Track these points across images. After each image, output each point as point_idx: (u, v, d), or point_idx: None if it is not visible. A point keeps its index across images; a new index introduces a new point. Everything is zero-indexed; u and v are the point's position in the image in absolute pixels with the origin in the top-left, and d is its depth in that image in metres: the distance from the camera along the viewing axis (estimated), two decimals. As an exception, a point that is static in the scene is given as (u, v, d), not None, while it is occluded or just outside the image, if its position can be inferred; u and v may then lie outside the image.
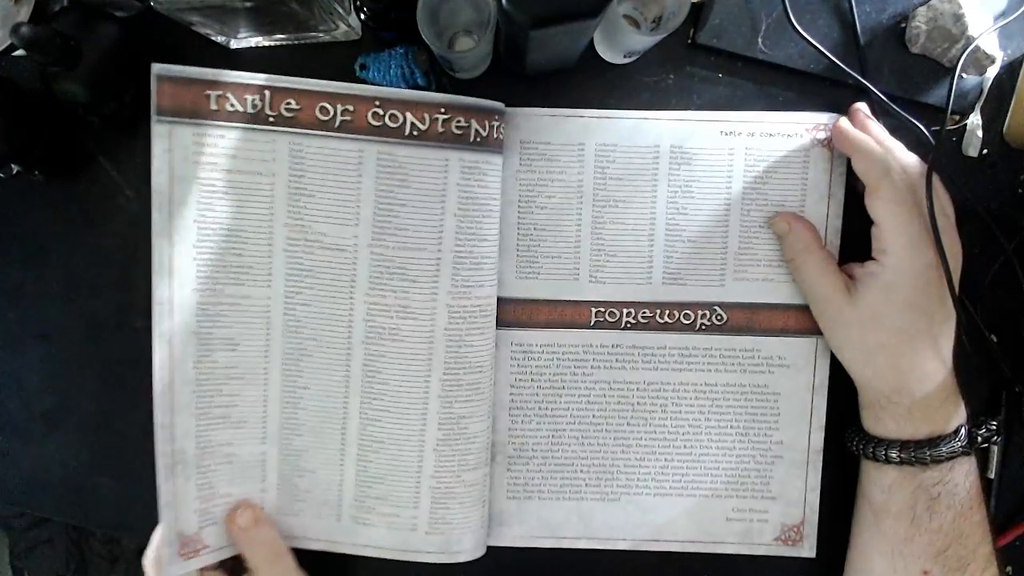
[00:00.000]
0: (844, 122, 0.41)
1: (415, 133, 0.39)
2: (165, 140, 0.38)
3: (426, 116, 0.39)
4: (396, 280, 0.40)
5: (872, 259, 0.39)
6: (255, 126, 0.38)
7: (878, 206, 0.38)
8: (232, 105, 0.38)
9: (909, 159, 0.39)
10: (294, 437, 0.42)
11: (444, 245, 0.40)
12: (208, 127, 0.38)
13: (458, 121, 0.39)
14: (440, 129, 0.39)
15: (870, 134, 0.40)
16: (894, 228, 0.37)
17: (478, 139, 0.39)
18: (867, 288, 0.38)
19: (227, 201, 0.39)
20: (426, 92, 0.39)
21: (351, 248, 0.40)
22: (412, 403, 0.41)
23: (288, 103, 0.38)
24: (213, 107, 0.38)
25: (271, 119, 0.38)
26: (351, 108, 0.38)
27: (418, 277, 0.40)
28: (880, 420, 0.40)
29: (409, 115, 0.39)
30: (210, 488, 0.41)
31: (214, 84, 0.38)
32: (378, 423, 0.41)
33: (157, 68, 0.37)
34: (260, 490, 0.42)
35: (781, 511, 0.44)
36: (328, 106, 0.38)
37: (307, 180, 0.39)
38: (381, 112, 0.38)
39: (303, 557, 0.42)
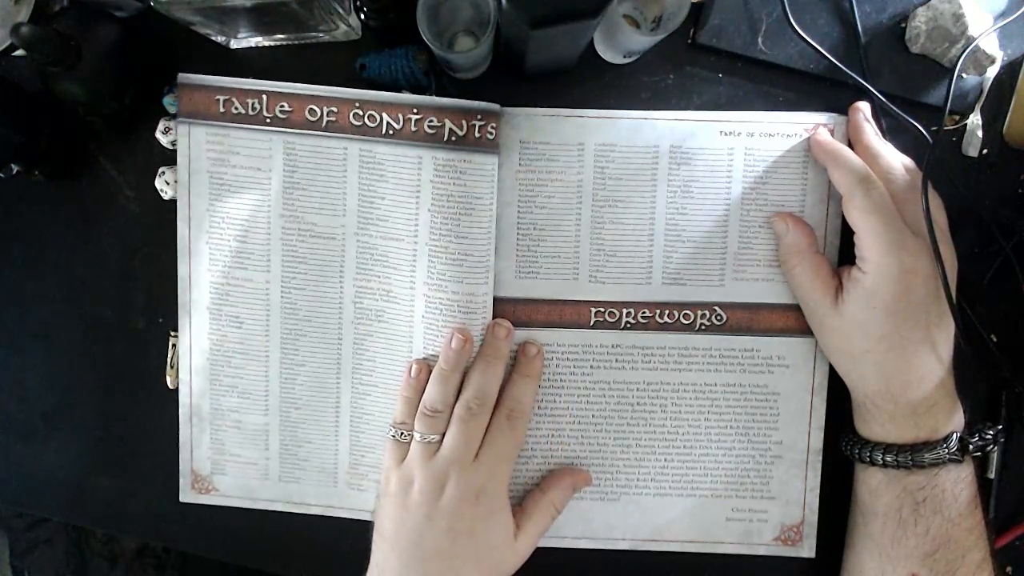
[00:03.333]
0: (821, 133, 0.41)
1: (391, 132, 0.41)
2: (185, 139, 0.43)
3: (399, 116, 0.41)
4: (380, 266, 0.43)
5: (854, 266, 0.39)
6: (254, 127, 0.43)
7: (853, 215, 0.38)
8: (236, 108, 0.42)
9: (897, 164, 0.39)
10: (292, 410, 0.45)
11: (419, 238, 0.42)
12: (216, 127, 0.43)
13: (430, 120, 0.41)
14: (413, 128, 0.41)
15: (864, 136, 0.40)
16: (870, 236, 0.37)
17: (452, 138, 0.40)
18: (850, 295, 0.39)
19: (232, 193, 0.43)
20: (400, 93, 0.42)
21: (339, 236, 0.43)
22: (397, 381, 0.43)
23: (282, 106, 0.42)
24: (220, 110, 0.42)
25: (268, 120, 0.42)
26: (335, 109, 0.42)
27: (398, 265, 0.43)
28: (867, 423, 0.40)
29: (385, 115, 0.41)
30: (221, 445, 0.46)
31: (221, 90, 0.42)
32: (368, 396, 0.45)
33: (181, 77, 0.42)
34: (264, 457, 0.46)
35: (780, 511, 0.44)
36: (316, 108, 0.42)
37: (299, 175, 0.43)
38: (361, 112, 0.41)
39: (304, 522, 0.46)
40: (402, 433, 0.41)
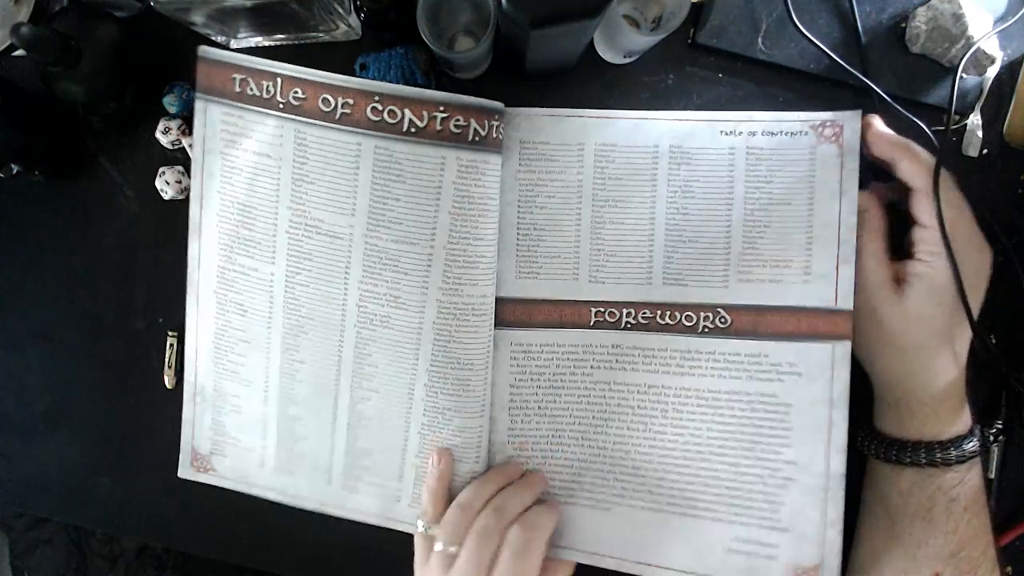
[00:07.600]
0: (878, 123, 0.40)
1: (413, 130, 0.40)
2: (202, 115, 0.42)
3: (424, 113, 0.39)
4: (388, 271, 0.42)
5: (917, 259, 0.38)
6: (267, 111, 0.41)
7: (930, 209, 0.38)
8: (251, 89, 0.41)
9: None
10: (291, 405, 0.45)
11: (437, 241, 0.41)
12: (231, 107, 0.42)
13: (457, 120, 0.39)
14: (438, 127, 0.39)
15: (895, 138, 0.40)
16: (949, 230, 0.37)
17: (476, 138, 0.40)
18: (914, 289, 0.38)
19: (242, 178, 0.42)
20: (426, 90, 0.40)
21: (347, 236, 0.42)
22: (399, 387, 0.43)
23: (295, 92, 0.40)
24: (237, 90, 0.41)
25: (281, 105, 0.41)
26: (351, 102, 0.40)
27: (410, 270, 0.41)
28: (904, 422, 0.39)
29: (408, 112, 0.39)
30: (222, 427, 0.46)
31: (238, 68, 0.41)
32: (368, 401, 0.44)
33: (201, 50, 0.41)
34: (262, 445, 0.45)
35: (793, 547, 0.40)
36: (330, 98, 0.40)
37: (309, 167, 0.41)
38: (380, 107, 0.40)
39: (298, 519, 0.45)
40: (427, 527, 0.42)
